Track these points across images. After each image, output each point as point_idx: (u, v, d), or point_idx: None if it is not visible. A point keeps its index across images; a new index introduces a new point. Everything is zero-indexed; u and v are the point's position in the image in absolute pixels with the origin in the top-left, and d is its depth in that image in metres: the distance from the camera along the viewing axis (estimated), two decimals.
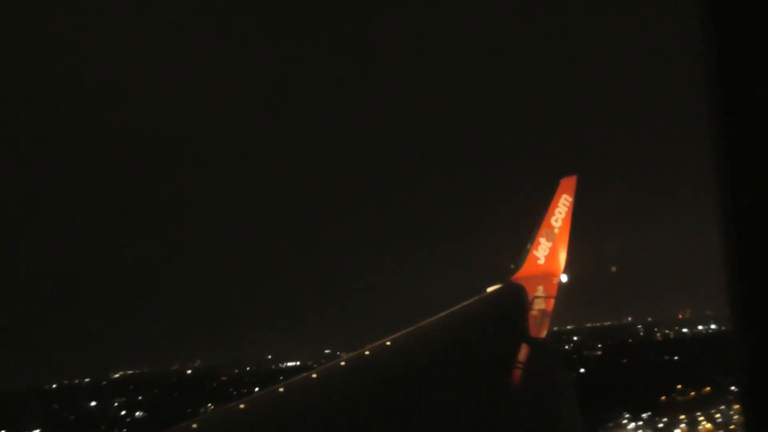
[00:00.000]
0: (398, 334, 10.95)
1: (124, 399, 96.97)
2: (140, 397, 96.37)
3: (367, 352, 10.46)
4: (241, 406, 8.54)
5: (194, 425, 7.83)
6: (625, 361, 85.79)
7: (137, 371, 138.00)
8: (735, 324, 1.95)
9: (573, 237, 15.46)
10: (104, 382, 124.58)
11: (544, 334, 11.53)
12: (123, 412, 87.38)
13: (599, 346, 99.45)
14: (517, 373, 9.35)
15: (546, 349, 10.83)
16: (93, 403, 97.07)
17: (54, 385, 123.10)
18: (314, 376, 9.75)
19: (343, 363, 10.31)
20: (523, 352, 10.16)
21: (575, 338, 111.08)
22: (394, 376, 9.31)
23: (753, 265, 1.91)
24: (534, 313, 12.67)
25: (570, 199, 15.24)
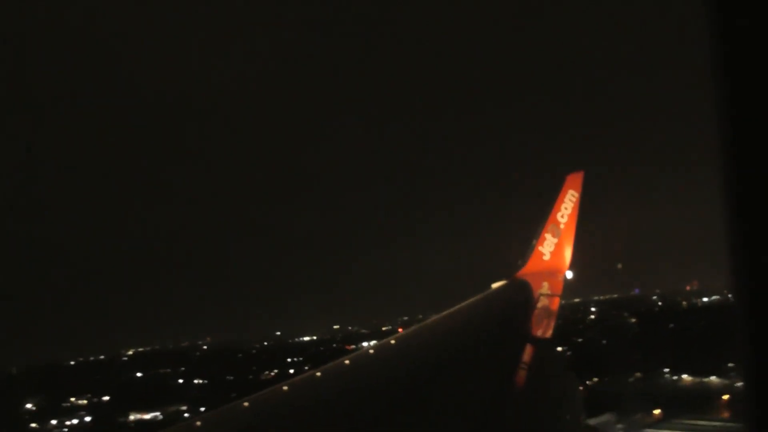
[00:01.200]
0: (403, 332, 10.98)
1: (168, 369, 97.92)
2: (182, 368, 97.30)
3: (371, 351, 10.51)
4: (245, 404, 8.59)
5: (198, 423, 7.87)
6: (672, 325, 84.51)
7: (148, 348, 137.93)
8: (739, 302, 1.94)
9: (579, 232, 15.35)
10: (124, 358, 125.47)
11: (549, 334, 11.48)
12: (181, 381, 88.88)
13: (625, 314, 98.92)
14: (522, 374, 9.35)
15: (550, 349, 10.81)
16: (139, 374, 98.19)
17: (72, 362, 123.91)
18: (318, 374, 9.79)
19: (347, 362, 10.35)
20: (528, 353, 10.14)
21: (593, 309, 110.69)
22: (398, 375, 9.33)
23: (757, 243, 1.91)
24: (538, 311, 12.61)
25: (576, 195, 15.08)
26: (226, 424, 8.12)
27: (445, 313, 12.08)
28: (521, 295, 13.37)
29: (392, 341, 10.55)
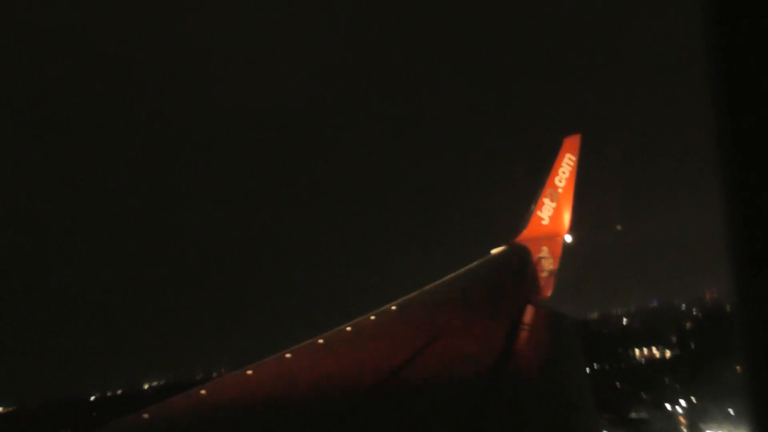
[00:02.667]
0: (403, 298, 10.99)
1: None
2: None
3: (372, 317, 10.53)
4: (249, 372, 8.62)
5: (202, 391, 7.89)
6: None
7: (163, 382, 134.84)
8: (741, 310, 1.91)
9: (577, 198, 15.37)
10: (150, 391, 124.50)
11: (549, 293, 11.55)
12: None
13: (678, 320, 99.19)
14: (523, 335, 9.39)
15: (551, 309, 10.85)
16: None
17: (92, 397, 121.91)
18: (320, 341, 9.81)
19: (349, 328, 10.37)
20: (528, 315, 10.19)
21: (624, 318, 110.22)
22: (398, 341, 9.35)
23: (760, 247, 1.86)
24: (539, 273, 12.66)
25: (574, 158, 15.08)
26: (231, 390, 8.15)
27: (444, 279, 12.10)
28: (521, 259, 13.41)
29: (393, 307, 10.55)
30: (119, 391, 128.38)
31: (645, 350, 78.53)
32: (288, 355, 9.13)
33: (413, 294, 11.20)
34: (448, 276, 12.30)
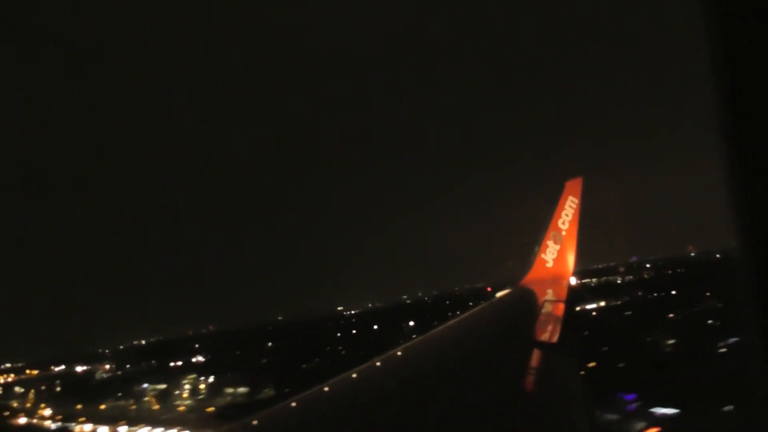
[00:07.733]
0: (409, 343, 10.98)
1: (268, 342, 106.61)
2: (270, 344, 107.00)
3: (378, 363, 10.48)
4: (254, 422, 8.55)
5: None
6: None
7: (154, 339, 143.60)
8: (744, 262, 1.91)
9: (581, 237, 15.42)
10: (168, 342, 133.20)
11: (555, 338, 11.47)
12: (270, 343, 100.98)
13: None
14: (530, 380, 9.32)
15: (558, 354, 10.77)
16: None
17: (107, 350, 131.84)
18: (326, 389, 9.75)
19: (354, 375, 10.32)
20: (535, 359, 10.12)
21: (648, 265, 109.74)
22: (405, 386, 9.30)
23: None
24: (544, 317, 12.61)
25: (576, 201, 15.20)
26: None
27: (450, 322, 12.10)
28: (526, 302, 13.38)
29: (399, 352, 10.53)
30: (121, 347, 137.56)
31: None
32: (293, 404, 9.10)
33: (418, 339, 11.20)
34: (454, 320, 12.31)
